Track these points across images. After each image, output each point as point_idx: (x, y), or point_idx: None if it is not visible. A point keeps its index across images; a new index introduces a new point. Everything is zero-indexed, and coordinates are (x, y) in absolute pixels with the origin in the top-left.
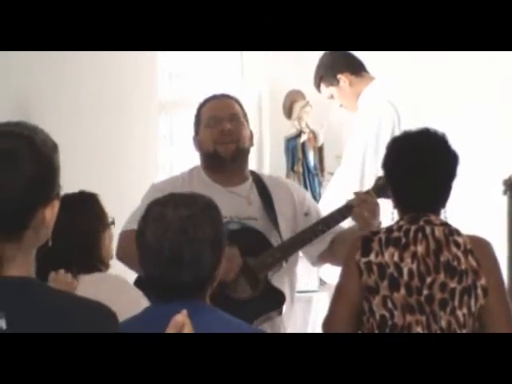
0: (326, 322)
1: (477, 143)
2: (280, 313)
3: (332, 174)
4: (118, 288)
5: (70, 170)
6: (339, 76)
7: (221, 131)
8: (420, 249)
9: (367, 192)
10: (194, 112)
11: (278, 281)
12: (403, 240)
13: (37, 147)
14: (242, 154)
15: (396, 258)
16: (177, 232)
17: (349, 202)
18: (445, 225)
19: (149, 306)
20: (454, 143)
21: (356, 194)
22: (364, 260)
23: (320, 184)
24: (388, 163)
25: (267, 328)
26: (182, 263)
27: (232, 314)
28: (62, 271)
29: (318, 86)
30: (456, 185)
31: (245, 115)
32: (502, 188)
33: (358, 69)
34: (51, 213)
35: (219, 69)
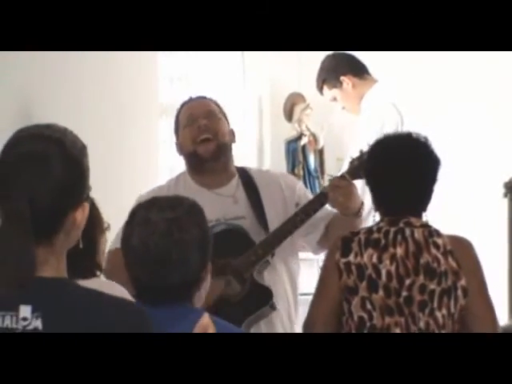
0: (307, 322)
1: (477, 145)
2: (273, 308)
3: (333, 176)
4: (115, 293)
5: None
6: (342, 78)
7: (197, 128)
8: (399, 251)
9: (341, 176)
10: None
11: (275, 279)
12: (382, 241)
13: (67, 149)
14: (222, 151)
15: (375, 259)
16: (162, 234)
17: (323, 189)
18: (425, 226)
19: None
20: (455, 145)
21: (330, 180)
22: (343, 260)
23: (321, 187)
24: (369, 166)
25: (263, 326)
26: (169, 265)
27: (223, 316)
28: None
29: (320, 89)
30: (457, 187)
31: (222, 113)
32: (502, 190)
33: (360, 71)
34: (82, 215)
35: (220, 72)
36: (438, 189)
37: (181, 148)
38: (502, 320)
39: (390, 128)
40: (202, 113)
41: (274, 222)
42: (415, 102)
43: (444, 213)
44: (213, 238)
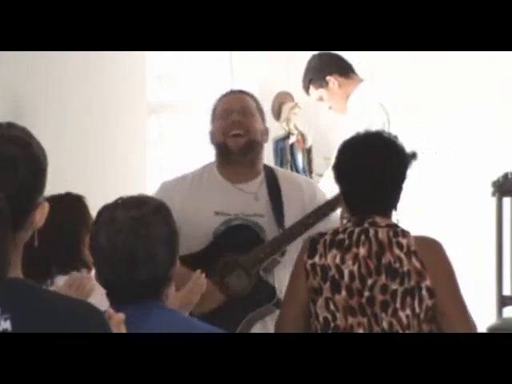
0: (278, 323)
1: (466, 144)
2: (277, 306)
3: (321, 175)
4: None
5: (57, 172)
6: (328, 78)
7: (231, 122)
8: (362, 251)
9: None
10: (183, 115)
11: (285, 277)
12: (346, 242)
13: (33, 152)
14: (252, 148)
15: (338, 260)
16: (129, 232)
17: (336, 195)
18: (390, 226)
19: (106, 309)
20: (443, 144)
21: None
22: (310, 262)
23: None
24: (336, 165)
25: (270, 324)
26: (136, 263)
27: (225, 311)
28: (78, 274)
29: (306, 89)
30: (445, 186)
31: (259, 110)
32: (490, 189)
33: (346, 70)
34: (40, 214)
35: (209, 71)
36: (427, 188)
37: (212, 138)
38: (491, 319)
39: (377, 127)
40: (238, 108)
41: (291, 223)
42: (404, 101)
43: (432, 212)
44: (228, 232)
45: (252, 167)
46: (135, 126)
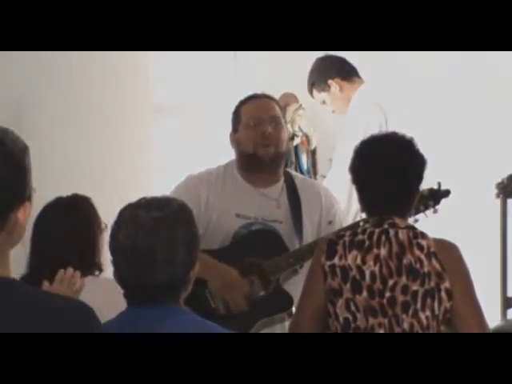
0: (292, 324)
1: (470, 146)
2: (290, 316)
3: (325, 177)
4: (110, 291)
5: (62, 174)
6: (330, 81)
7: (262, 134)
8: (383, 252)
9: None
10: (187, 116)
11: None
12: (367, 243)
13: (7, 148)
14: (279, 158)
15: (359, 260)
16: (149, 232)
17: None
18: (410, 228)
19: (123, 310)
20: (447, 145)
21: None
22: (328, 263)
23: None
24: (354, 166)
25: (278, 331)
26: (154, 264)
27: (239, 313)
28: (70, 269)
29: (310, 92)
30: (450, 188)
31: (283, 116)
32: (495, 191)
33: (349, 74)
34: (23, 214)
35: (213, 72)
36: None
37: (238, 145)
38: (495, 321)
39: (374, 128)
40: (269, 118)
41: (308, 233)
42: (403, 102)
43: (436, 214)
44: (248, 236)
45: (275, 174)
46: (140, 128)
